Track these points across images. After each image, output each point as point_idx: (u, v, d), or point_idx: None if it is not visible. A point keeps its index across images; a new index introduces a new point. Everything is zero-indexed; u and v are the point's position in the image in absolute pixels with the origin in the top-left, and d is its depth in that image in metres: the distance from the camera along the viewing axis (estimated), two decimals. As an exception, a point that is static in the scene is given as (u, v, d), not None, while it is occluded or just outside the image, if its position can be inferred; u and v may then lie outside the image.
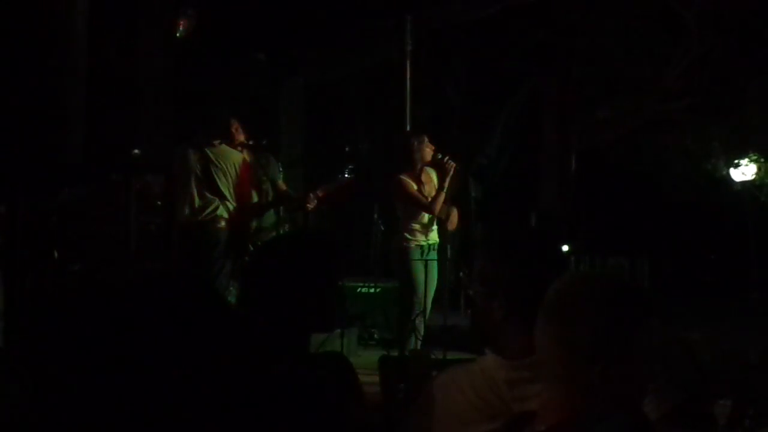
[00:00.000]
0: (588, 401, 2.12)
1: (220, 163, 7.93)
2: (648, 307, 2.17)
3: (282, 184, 8.59)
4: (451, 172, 8.35)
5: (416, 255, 8.30)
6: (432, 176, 8.52)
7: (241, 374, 1.19)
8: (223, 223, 7.89)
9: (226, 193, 7.90)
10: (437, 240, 8.48)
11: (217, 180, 7.90)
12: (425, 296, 8.26)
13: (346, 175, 8.67)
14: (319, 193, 8.42)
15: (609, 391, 2.11)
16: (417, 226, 8.40)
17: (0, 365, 1.13)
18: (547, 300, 2.20)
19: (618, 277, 2.66)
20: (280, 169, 9.00)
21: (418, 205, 8.37)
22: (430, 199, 8.38)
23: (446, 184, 8.35)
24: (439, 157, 8.45)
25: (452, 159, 8.44)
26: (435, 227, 8.49)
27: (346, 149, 16.40)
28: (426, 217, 8.39)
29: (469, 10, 13.02)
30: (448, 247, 8.60)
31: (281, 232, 8.28)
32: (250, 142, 8.40)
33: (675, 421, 2.69)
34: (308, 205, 8.33)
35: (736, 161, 20.58)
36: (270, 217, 8.50)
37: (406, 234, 8.41)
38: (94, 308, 1.15)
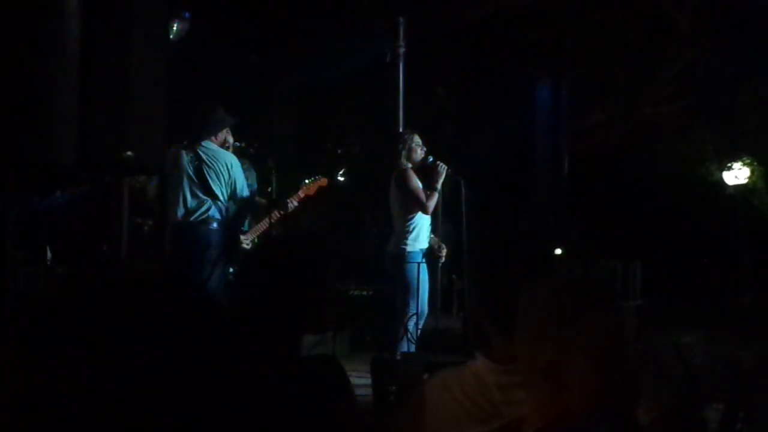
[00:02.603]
0: (571, 403, 2.13)
1: (212, 164, 7.92)
2: (593, 301, 2.20)
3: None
4: (443, 175, 8.34)
5: (415, 259, 8.27)
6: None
7: (231, 376, 1.18)
8: (215, 224, 7.87)
9: (219, 194, 7.89)
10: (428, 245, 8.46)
11: (210, 181, 7.89)
12: (422, 299, 8.24)
13: (318, 177, 8.60)
14: (301, 194, 8.39)
15: (590, 392, 2.12)
16: (413, 229, 8.37)
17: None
18: (518, 307, 2.25)
19: (577, 277, 2.73)
20: (254, 173, 8.93)
21: (417, 199, 8.33)
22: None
23: (439, 186, 8.33)
24: (431, 159, 8.43)
25: (444, 161, 8.43)
26: (429, 231, 8.47)
27: (339, 151, 16.40)
28: (421, 218, 8.37)
29: (463, 12, 13.02)
30: (443, 251, 8.58)
31: (273, 234, 8.25)
32: (242, 144, 8.41)
33: (667, 424, 2.69)
34: (288, 208, 8.28)
35: (728, 164, 20.62)
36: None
37: (403, 238, 8.37)
38: (82, 310, 1.14)
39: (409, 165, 8.46)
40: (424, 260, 8.34)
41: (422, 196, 8.33)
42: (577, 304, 2.18)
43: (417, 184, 8.38)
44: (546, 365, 2.13)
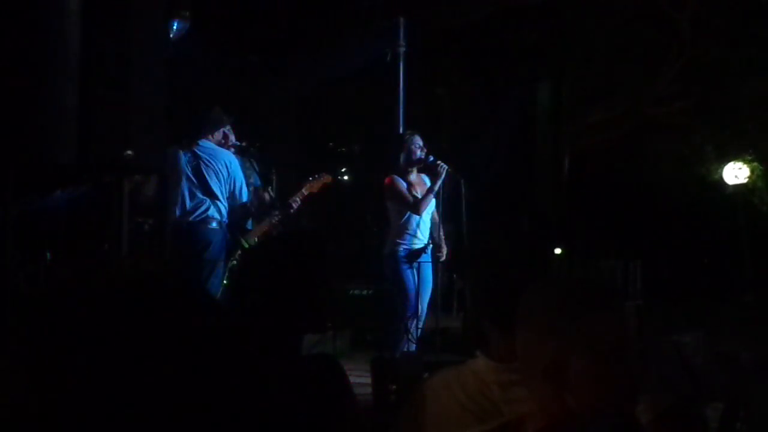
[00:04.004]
0: (573, 403, 2.13)
1: (211, 164, 7.91)
2: (595, 301, 2.20)
3: (262, 191, 8.50)
4: (443, 175, 8.33)
5: (407, 258, 8.28)
6: (423, 179, 8.51)
7: (231, 376, 1.19)
8: (214, 224, 7.86)
9: (218, 194, 7.88)
10: (429, 243, 8.45)
11: (209, 180, 7.88)
12: (418, 299, 8.23)
13: (322, 175, 8.59)
14: (305, 192, 8.36)
15: (591, 391, 2.13)
16: (407, 229, 8.38)
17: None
18: (519, 307, 2.25)
19: (578, 277, 2.74)
20: (256, 172, 8.89)
21: (404, 204, 8.34)
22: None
23: (436, 187, 8.33)
24: (431, 159, 8.43)
25: (444, 161, 8.42)
26: (427, 231, 8.46)
27: (340, 150, 16.39)
28: (415, 218, 8.37)
29: (463, 12, 13.03)
30: (443, 250, 8.57)
31: (273, 233, 8.24)
32: (243, 144, 8.40)
33: (667, 423, 2.69)
34: (292, 207, 8.26)
35: (728, 164, 20.60)
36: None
37: (396, 238, 8.39)
38: (84, 309, 1.15)
39: (404, 164, 8.47)
40: (426, 259, 8.35)
41: (409, 199, 8.34)
42: (578, 304, 2.18)
43: (402, 189, 8.39)
44: (547, 365, 2.13)
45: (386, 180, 8.49)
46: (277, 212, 8.21)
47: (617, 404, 2.18)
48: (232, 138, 8.24)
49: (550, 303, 2.22)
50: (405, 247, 8.34)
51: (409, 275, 8.23)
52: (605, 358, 2.12)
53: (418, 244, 8.38)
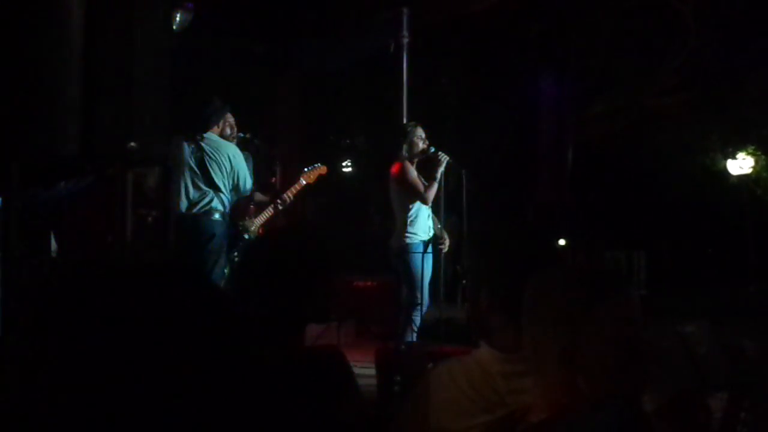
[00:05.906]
0: (578, 393, 2.14)
1: (214, 155, 7.92)
2: (605, 289, 2.21)
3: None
4: (444, 164, 8.33)
5: (417, 250, 8.28)
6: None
7: (235, 366, 1.19)
8: (218, 216, 7.88)
9: (220, 186, 7.89)
10: (433, 234, 8.45)
11: (212, 172, 7.89)
12: (422, 290, 8.24)
13: (317, 165, 8.66)
14: (303, 182, 8.42)
15: (603, 377, 2.14)
16: (418, 220, 8.36)
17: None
18: (525, 295, 2.25)
19: (589, 266, 2.74)
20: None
21: (415, 191, 8.32)
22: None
23: (438, 175, 8.32)
24: (432, 150, 8.43)
25: (447, 153, 8.42)
26: (431, 222, 8.46)
27: (347, 141, 16.40)
28: (424, 209, 8.36)
29: (466, 3, 13.00)
30: (446, 241, 8.57)
31: (275, 225, 8.27)
32: (247, 135, 8.42)
33: (671, 414, 2.70)
34: (289, 197, 8.33)
35: (732, 154, 20.58)
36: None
37: (407, 229, 8.37)
38: (88, 300, 1.15)
39: (406, 154, 8.47)
40: (429, 250, 8.34)
41: (420, 187, 8.33)
42: (591, 292, 2.19)
43: (414, 175, 8.38)
44: (560, 352, 2.14)
45: (395, 166, 8.47)
46: (276, 203, 8.29)
47: (628, 389, 2.19)
48: (234, 130, 8.27)
49: (563, 290, 2.23)
50: (417, 238, 8.33)
51: (417, 267, 8.23)
52: (615, 346, 2.14)
53: (428, 235, 8.39)
